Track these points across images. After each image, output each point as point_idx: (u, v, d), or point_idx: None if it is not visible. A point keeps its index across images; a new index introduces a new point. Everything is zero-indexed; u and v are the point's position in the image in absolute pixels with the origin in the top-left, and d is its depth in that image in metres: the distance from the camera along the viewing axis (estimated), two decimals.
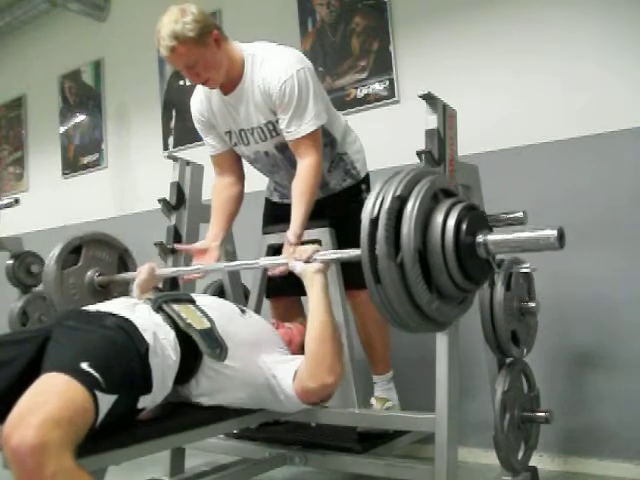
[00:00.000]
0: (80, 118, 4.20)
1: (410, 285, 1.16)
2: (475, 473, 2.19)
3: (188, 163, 2.43)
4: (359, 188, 2.16)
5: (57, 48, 4.32)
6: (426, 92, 1.74)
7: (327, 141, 2.05)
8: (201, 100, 2.10)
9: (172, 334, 1.42)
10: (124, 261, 2.38)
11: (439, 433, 1.63)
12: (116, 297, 2.21)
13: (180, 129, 3.60)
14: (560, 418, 1.97)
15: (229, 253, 2.46)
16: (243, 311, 1.72)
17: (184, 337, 1.44)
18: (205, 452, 2.19)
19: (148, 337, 1.35)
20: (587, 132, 2.27)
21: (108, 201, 3.96)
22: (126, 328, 1.34)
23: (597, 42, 2.29)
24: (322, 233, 2.02)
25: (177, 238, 2.33)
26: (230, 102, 2.00)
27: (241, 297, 2.45)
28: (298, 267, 1.62)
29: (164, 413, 1.46)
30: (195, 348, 1.44)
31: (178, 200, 2.38)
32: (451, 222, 1.18)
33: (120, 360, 1.27)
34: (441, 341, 1.68)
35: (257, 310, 2.18)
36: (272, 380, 1.56)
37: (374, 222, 1.18)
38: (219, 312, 1.59)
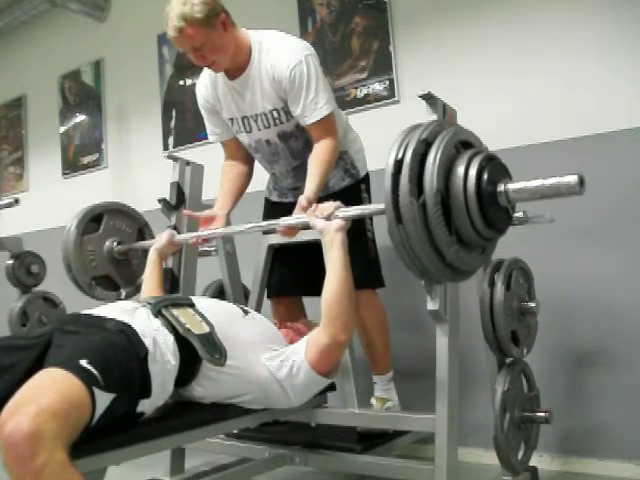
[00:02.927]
0: (80, 118, 4.21)
1: (431, 225, 1.18)
2: (475, 473, 2.19)
3: (188, 163, 2.43)
4: (358, 188, 2.15)
5: (57, 48, 4.32)
6: (426, 92, 1.73)
7: None
8: (206, 86, 2.11)
9: (171, 339, 1.42)
10: (143, 234, 2.41)
11: (439, 433, 1.63)
12: (135, 266, 2.31)
13: (180, 129, 3.60)
14: (560, 418, 1.97)
15: (229, 253, 2.45)
16: (246, 312, 1.71)
17: (183, 341, 1.43)
18: (205, 452, 2.19)
19: (148, 343, 1.35)
20: (587, 132, 2.27)
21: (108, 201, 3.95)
22: (126, 332, 1.34)
23: (598, 42, 2.29)
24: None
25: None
26: (235, 87, 2.01)
27: (241, 297, 2.45)
28: (320, 224, 1.61)
29: (165, 413, 1.46)
30: (195, 352, 1.44)
31: (178, 200, 2.38)
32: (473, 171, 1.21)
33: (119, 361, 1.27)
34: (441, 341, 1.68)
35: (257, 310, 2.17)
36: (279, 373, 1.54)
37: (398, 163, 1.20)
38: (219, 315, 1.58)
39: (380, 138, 2.61)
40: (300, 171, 2.10)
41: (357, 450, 1.93)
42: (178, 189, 2.39)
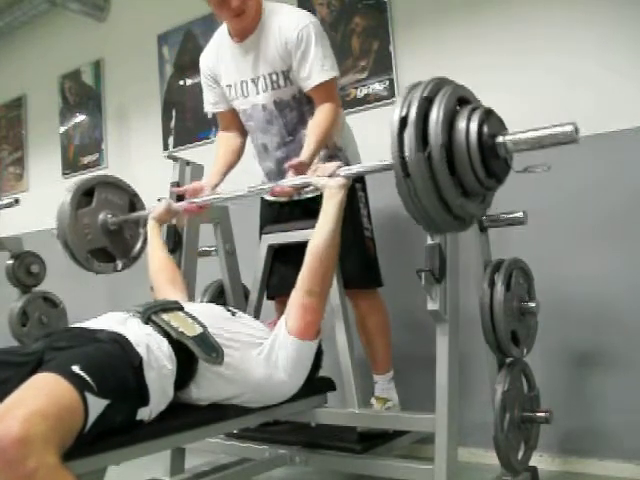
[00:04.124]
0: (80, 118, 4.20)
1: (438, 178, 1.27)
2: (475, 473, 2.19)
3: (188, 163, 2.42)
4: (354, 187, 2.15)
5: (57, 48, 4.32)
6: None
7: None
8: (208, 54, 2.20)
9: (165, 343, 1.41)
10: (133, 205, 2.42)
11: (439, 433, 1.63)
12: (129, 237, 2.35)
13: (180, 129, 3.60)
14: (560, 418, 1.96)
15: (229, 253, 2.45)
16: (233, 313, 1.71)
17: (178, 344, 1.43)
18: (205, 452, 2.19)
19: (141, 351, 1.34)
20: (587, 132, 2.26)
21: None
22: (119, 341, 1.33)
23: (598, 41, 2.28)
24: None
25: (176, 238, 2.33)
26: (240, 50, 2.08)
27: (241, 297, 2.45)
28: (322, 181, 1.64)
29: (164, 413, 1.46)
30: (191, 354, 1.43)
31: (178, 200, 2.37)
32: (474, 125, 1.29)
33: (113, 368, 1.26)
34: (441, 341, 1.68)
35: (257, 310, 2.18)
36: (270, 359, 1.55)
37: (403, 120, 1.28)
38: (208, 317, 1.57)
39: (380, 138, 2.62)
40: (291, 146, 2.13)
41: (357, 450, 1.93)
42: None
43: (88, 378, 1.17)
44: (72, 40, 4.22)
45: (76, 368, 1.17)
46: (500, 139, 1.32)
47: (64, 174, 4.28)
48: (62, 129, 4.31)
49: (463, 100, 1.37)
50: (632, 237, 2.17)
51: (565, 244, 2.27)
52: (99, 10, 3.98)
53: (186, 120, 3.57)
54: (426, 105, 1.29)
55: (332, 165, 1.66)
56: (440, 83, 1.35)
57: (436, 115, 1.27)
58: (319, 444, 2.00)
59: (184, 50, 3.59)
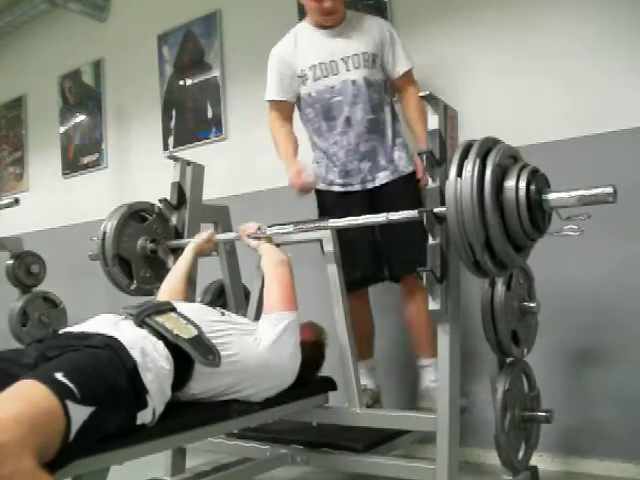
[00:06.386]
0: (80, 118, 4.20)
1: (489, 227, 1.43)
2: (475, 473, 2.19)
3: (189, 163, 2.43)
4: (417, 180, 2.32)
5: (57, 48, 4.31)
6: (427, 93, 1.74)
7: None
8: (286, 44, 2.37)
9: (160, 344, 1.41)
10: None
11: (440, 433, 1.64)
12: (154, 272, 2.35)
13: (180, 129, 3.60)
14: (560, 418, 1.97)
15: (229, 253, 2.46)
16: (222, 313, 1.74)
17: (174, 345, 1.42)
18: (206, 452, 2.19)
19: (135, 354, 1.32)
20: (587, 132, 2.27)
21: (108, 201, 3.95)
22: (112, 345, 1.32)
23: (598, 41, 2.29)
24: (323, 234, 2.01)
25: (177, 238, 2.33)
26: (327, 35, 2.31)
27: (241, 297, 2.45)
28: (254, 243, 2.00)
29: (166, 413, 1.46)
30: (187, 354, 1.43)
31: (179, 200, 2.38)
32: (522, 183, 1.45)
33: (102, 374, 1.24)
34: (442, 340, 1.68)
35: (258, 310, 2.17)
36: (265, 350, 1.62)
37: (467, 146, 1.50)
38: (199, 316, 1.58)
39: None
40: (374, 125, 2.29)
41: (358, 449, 1.93)
42: (179, 189, 2.39)
43: (71, 385, 1.14)
44: (72, 40, 4.22)
45: (59, 375, 1.15)
46: (546, 196, 1.48)
47: (64, 174, 4.28)
48: (62, 129, 4.31)
49: (514, 157, 1.55)
50: (631, 237, 2.17)
51: (565, 244, 2.27)
52: (99, 10, 3.97)
53: (186, 120, 3.57)
54: (487, 148, 1.48)
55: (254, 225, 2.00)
56: (493, 143, 1.52)
57: (496, 151, 1.47)
58: (320, 443, 2.01)
59: (184, 50, 3.59)
